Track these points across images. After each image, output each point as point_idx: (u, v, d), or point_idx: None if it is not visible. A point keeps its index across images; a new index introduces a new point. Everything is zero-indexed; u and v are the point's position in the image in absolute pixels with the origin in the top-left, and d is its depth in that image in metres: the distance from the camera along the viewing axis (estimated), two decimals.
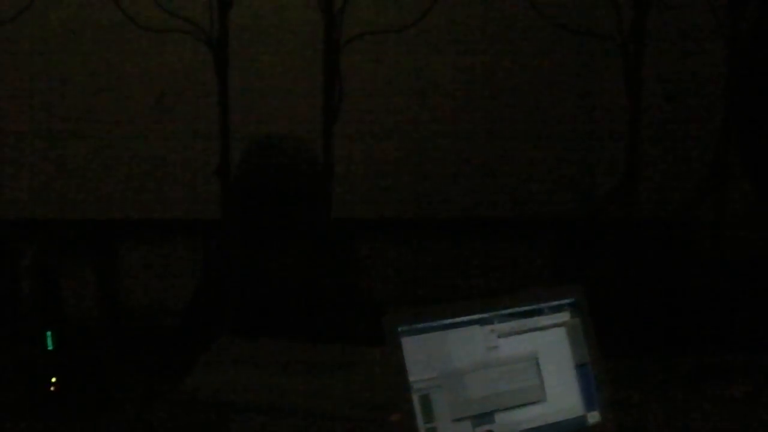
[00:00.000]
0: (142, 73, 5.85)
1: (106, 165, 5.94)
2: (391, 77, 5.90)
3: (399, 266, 6.06)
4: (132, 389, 3.15)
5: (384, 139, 5.98)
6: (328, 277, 4.17)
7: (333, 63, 4.81)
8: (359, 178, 5.93)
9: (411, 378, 2.48)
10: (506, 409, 2.56)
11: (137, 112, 5.91)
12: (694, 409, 3.04)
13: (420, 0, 4.94)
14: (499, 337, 2.59)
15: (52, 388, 3.08)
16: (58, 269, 4.28)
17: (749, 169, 5.76)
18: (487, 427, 2.53)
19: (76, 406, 3.06)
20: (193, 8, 4.80)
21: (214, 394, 3.04)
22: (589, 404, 2.66)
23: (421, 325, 2.52)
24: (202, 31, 4.75)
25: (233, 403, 3.00)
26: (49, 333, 3.15)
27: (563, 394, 2.63)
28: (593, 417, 2.66)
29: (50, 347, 3.14)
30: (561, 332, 2.65)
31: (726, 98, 5.36)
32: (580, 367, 2.66)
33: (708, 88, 5.86)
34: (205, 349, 3.29)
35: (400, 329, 2.49)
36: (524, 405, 2.58)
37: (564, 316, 2.67)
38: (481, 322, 2.58)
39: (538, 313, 2.65)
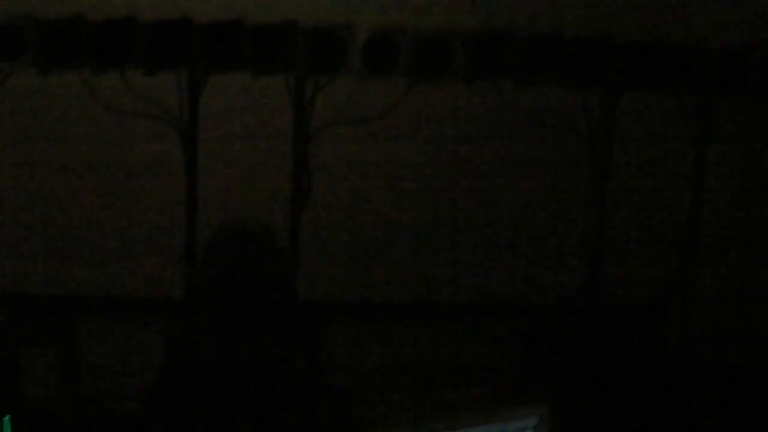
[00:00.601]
0: (110, 155, 5.87)
1: (70, 241, 5.94)
2: (360, 165, 5.94)
3: (364, 351, 6.06)
4: None
5: (351, 225, 6.01)
6: (295, 363, 4.15)
7: (302, 151, 4.83)
8: (327, 262, 5.95)
9: None
10: None
11: (104, 192, 5.92)
12: None
13: (389, 90, 4.97)
14: None
15: None
16: (17, 349, 4.24)
17: None
18: None
19: None
20: (164, 94, 4.82)
21: None
22: None
23: None
24: (172, 117, 4.77)
25: None
26: (7, 418, 3.11)
27: None
28: None
29: None
30: None
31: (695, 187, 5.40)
32: None
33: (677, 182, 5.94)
34: None
35: None
36: None
37: None
38: None
39: None
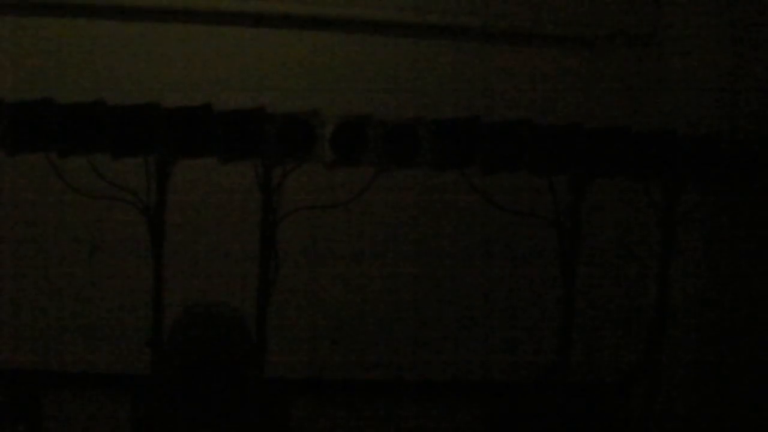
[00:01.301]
0: (77, 235, 5.87)
1: (37, 318, 5.91)
2: (327, 247, 5.95)
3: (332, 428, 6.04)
4: None
5: (318, 308, 6.01)
6: None
7: (269, 236, 4.82)
8: (294, 344, 5.94)
9: None
10: None
11: (71, 271, 5.90)
12: None
13: (356, 175, 4.97)
14: None
15: None
16: None
17: None
18: None
19: None
20: (132, 177, 4.80)
21: None
22: None
23: None
24: (140, 200, 4.75)
25: None
26: None
27: None
28: None
29: None
30: None
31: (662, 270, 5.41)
32: None
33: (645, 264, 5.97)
34: None
35: None
36: None
37: None
38: None
39: None
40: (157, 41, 5.93)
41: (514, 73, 6.17)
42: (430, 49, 6.11)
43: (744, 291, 6.16)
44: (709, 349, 6.15)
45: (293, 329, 5.93)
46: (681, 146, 5.09)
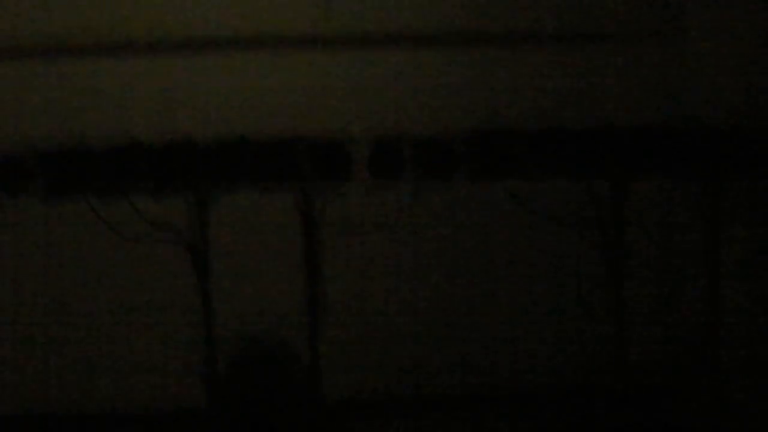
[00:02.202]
0: (124, 277, 5.90)
1: (89, 360, 5.95)
2: (372, 269, 5.95)
3: None
4: None
5: (365, 328, 6.02)
6: None
7: (314, 261, 4.83)
8: (346, 366, 5.96)
9: None
10: None
11: (119, 311, 5.94)
12: None
13: (395, 195, 4.98)
14: None
15: None
16: None
17: None
18: None
19: None
20: (172, 213, 4.83)
21: None
22: None
23: None
24: (182, 237, 4.77)
25: None
26: None
27: None
28: None
29: None
30: None
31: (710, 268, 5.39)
32: None
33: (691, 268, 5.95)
34: None
35: None
36: None
37: None
38: None
39: None
40: (185, 75, 5.96)
41: (543, 76, 6.16)
42: (457, 58, 6.10)
43: None
44: (763, 347, 6.11)
45: (344, 351, 5.93)
46: (718, 141, 5.07)
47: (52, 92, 5.90)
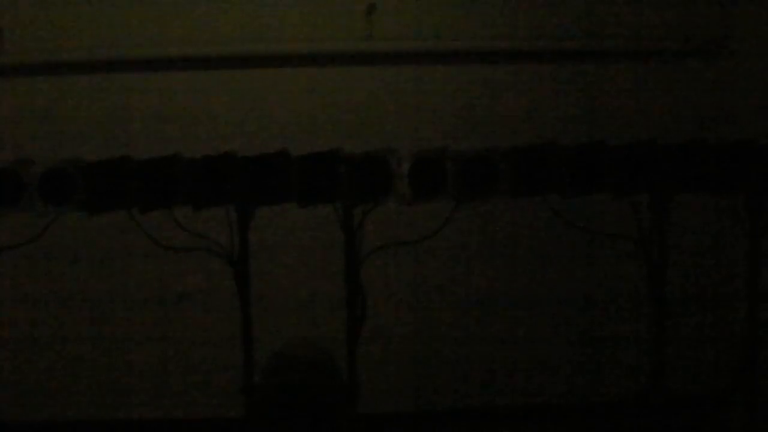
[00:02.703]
0: (162, 289, 5.93)
1: (126, 372, 5.99)
2: (413, 284, 5.96)
3: None
4: None
5: (406, 343, 6.02)
6: None
7: (354, 275, 4.82)
8: (386, 375, 5.95)
9: None
10: None
11: (158, 325, 5.97)
12: None
13: (434, 212, 4.95)
14: None
15: None
16: None
17: None
18: None
19: None
20: (213, 227, 4.83)
21: None
22: None
23: None
24: (223, 249, 4.77)
25: None
26: None
27: None
28: None
29: None
30: None
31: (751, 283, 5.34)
32: None
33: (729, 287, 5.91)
34: None
35: None
36: None
37: None
38: None
39: None
40: (227, 89, 5.99)
41: (586, 92, 6.15)
42: (498, 74, 6.10)
43: None
44: None
45: (383, 365, 5.93)
46: (762, 156, 5.02)
47: (95, 105, 5.95)
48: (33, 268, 5.92)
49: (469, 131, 5.99)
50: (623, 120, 6.08)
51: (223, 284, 5.06)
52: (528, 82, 6.10)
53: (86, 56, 5.97)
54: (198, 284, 5.90)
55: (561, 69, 6.12)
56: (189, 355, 6.03)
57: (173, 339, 6.02)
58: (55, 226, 4.70)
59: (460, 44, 6.11)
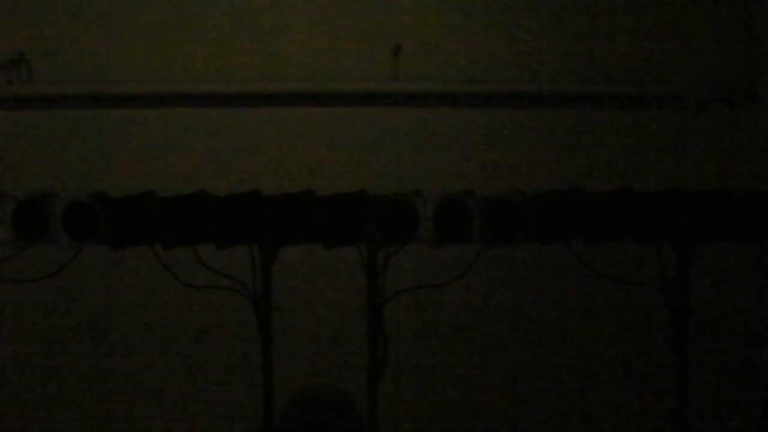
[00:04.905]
0: (185, 325, 5.94)
1: (148, 407, 5.98)
2: (436, 326, 5.96)
3: None
4: None
5: (428, 387, 6.01)
6: None
7: (377, 317, 4.79)
8: (406, 416, 5.94)
9: None
10: None
11: (180, 361, 5.98)
12: None
13: (460, 253, 4.94)
14: None
15: None
16: None
17: None
18: None
19: None
20: (237, 265, 4.82)
21: None
22: None
23: None
24: (246, 287, 4.75)
25: None
26: None
27: None
28: None
29: None
30: None
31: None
32: None
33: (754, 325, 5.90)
34: None
35: None
36: None
37: None
38: None
39: None
40: (253, 127, 6.00)
41: (612, 138, 6.14)
42: (525, 118, 6.09)
43: None
44: None
45: (403, 409, 5.91)
46: None
47: (120, 140, 5.96)
48: (57, 301, 5.93)
49: (494, 175, 5.98)
50: (650, 167, 6.08)
51: (244, 321, 5.05)
52: (556, 127, 6.10)
53: (110, 89, 5.99)
54: (219, 320, 5.89)
55: (588, 114, 6.11)
56: (207, 392, 6.01)
57: (192, 375, 6.01)
58: (79, 259, 4.70)
59: (485, 87, 6.11)
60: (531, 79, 6.09)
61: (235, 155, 5.98)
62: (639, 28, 6.12)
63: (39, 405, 5.96)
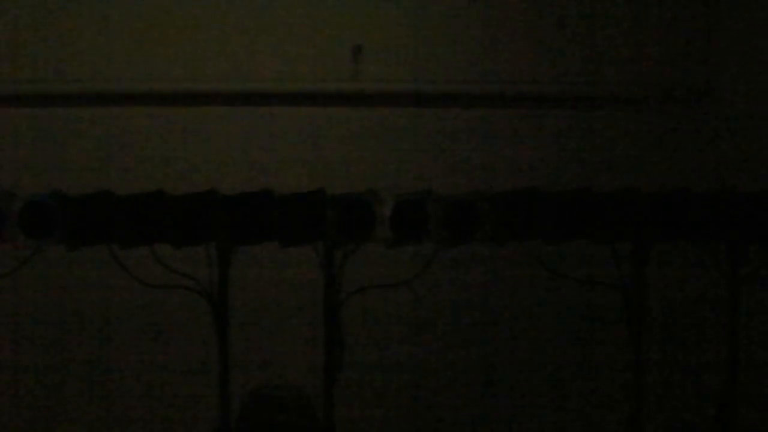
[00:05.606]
0: (141, 325, 5.93)
1: (104, 408, 5.97)
2: (392, 326, 5.96)
3: None
4: None
5: (383, 387, 6.01)
6: None
7: (334, 316, 4.79)
8: (362, 416, 5.94)
9: None
10: None
11: (136, 360, 5.96)
12: None
13: (417, 253, 4.94)
14: None
15: None
16: None
17: None
18: None
19: None
20: (194, 264, 4.81)
21: None
22: None
23: None
24: (202, 286, 4.75)
25: None
26: None
27: None
28: None
29: None
30: None
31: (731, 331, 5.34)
32: None
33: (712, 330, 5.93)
34: None
35: None
36: None
37: None
38: None
39: None
40: (209, 126, 5.99)
41: (568, 139, 6.16)
42: (483, 119, 6.11)
43: None
44: None
45: (360, 405, 5.91)
46: (742, 205, 5.03)
47: (77, 139, 5.94)
48: (14, 300, 5.89)
49: (452, 175, 5.99)
50: (608, 167, 6.10)
51: (200, 321, 5.04)
52: (513, 128, 6.11)
53: (68, 89, 5.96)
54: (174, 320, 5.88)
55: (546, 115, 6.13)
56: (163, 391, 6.00)
57: (148, 375, 6.00)
58: (36, 258, 4.68)
59: (444, 87, 6.12)
60: (489, 79, 6.11)
61: (194, 155, 5.97)
62: (594, 28, 6.15)
63: None
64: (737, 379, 5.24)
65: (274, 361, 5.84)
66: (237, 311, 4.86)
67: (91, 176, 5.81)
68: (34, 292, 5.88)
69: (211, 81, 5.97)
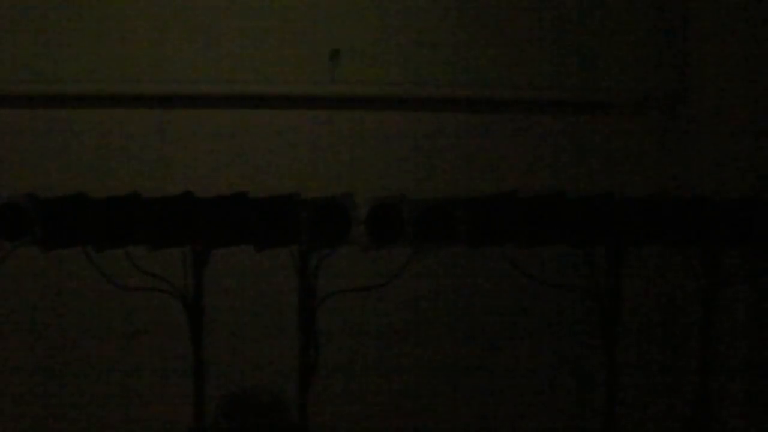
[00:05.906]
0: (115, 327, 5.91)
1: (78, 411, 5.95)
2: (367, 329, 5.96)
3: None
4: None
5: (358, 390, 6.01)
6: None
7: (308, 320, 4.80)
8: (337, 419, 5.93)
9: None
10: None
11: (109, 364, 5.95)
12: None
13: (392, 256, 4.95)
14: None
15: None
16: None
17: None
18: None
19: None
20: (169, 265, 4.81)
21: None
22: None
23: None
24: (177, 289, 4.75)
25: None
26: None
27: None
28: None
29: None
30: None
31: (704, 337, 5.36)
32: None
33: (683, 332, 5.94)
34: None
35: None
36: None
37: None
38: None
39: None
40: (185, 128, 5.98)
41: (544, 143, 6.18)
42: (458, 123, 6.12)
43: None
44: (758, 411, 6.09)
45: (335, 409, 5.91)
46: (716, 211, 5.06)
47: (53, 140, 5.92)
48: None
49: (428, 179, 6.00)
50: (583, 172, 6.12)
51: (176, 323, 5.04)
52: (489, 132, 6.13)
53: (45, 89, 5.95)
54: (150, 322, 5.87)
55: (520, 120, 6.15)
56: (138, 394, 5.99)
57: (123, 378, 5.98)
58: (9, 260, 4.67)
59: (421, 91, 6.13)
60: (464, 83, 6.12)
61: (172, 157, 5.96)
62: (567, 33, 6.17)
63: None
64: (708, 383, 5.28)
65: (249, 363, 5.84)
66: (212, 314, 4.86)
67: (67, 178, 5.80)
68: (8, 293, 5.86)
69: (186, 83, 5.97)
